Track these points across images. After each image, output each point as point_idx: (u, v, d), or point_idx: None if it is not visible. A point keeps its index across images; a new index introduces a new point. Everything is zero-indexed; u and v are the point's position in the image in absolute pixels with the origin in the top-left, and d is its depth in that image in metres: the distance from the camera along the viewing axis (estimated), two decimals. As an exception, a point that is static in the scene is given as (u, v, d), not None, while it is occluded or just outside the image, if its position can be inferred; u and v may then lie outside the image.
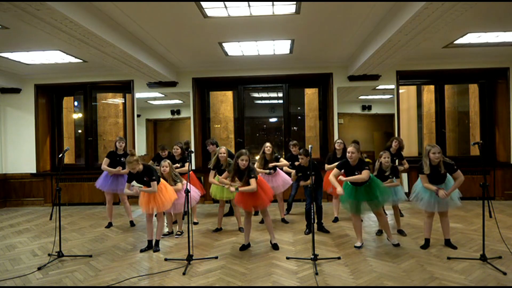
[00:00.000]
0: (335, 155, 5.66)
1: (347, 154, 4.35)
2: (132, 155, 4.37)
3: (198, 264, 4.07)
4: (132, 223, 5.95)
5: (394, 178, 4.82)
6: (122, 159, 5.72)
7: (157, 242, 4.62)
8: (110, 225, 5.91)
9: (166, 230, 5.38)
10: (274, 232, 4.70)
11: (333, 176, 4.38)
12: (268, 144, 5.72)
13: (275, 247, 4.53)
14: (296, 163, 5.46)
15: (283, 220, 5.90)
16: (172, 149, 5.91)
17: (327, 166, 5.62)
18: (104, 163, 5.71)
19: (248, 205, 4.42)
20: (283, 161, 5.77)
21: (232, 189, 4.24)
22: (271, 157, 5.71)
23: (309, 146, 4.49)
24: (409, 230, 5.24)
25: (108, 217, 5.96)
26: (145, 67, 6.17)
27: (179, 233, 5.26)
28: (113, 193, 5.85)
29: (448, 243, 4.44)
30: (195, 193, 5.19)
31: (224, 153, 5.01)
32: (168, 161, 4.95)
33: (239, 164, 4.27)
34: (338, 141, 5.68)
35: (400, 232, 5.05)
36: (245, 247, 4.56)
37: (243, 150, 4.34)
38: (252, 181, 4.25)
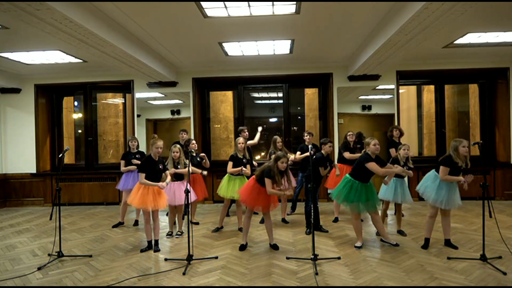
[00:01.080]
0: (347, 145, 5.93)
1: (375, 146, 4.37)
2: (156, 138, 4.56)
3: (198, 264, 4.07)
4: (136, 222, 5.97)
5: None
6: (137, 156, 5.89)
7: (157, 242, 4.62)
8: (120, 224, 5.93)
9: (167, 230, 5.38)
10: (274, 232, 4.70)
11: (376, 167, 4.32)
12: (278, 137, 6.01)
13: (274, 247, 4.53)
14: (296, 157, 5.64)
15: (283, 220, 5.90)
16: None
17: (348, 155, 5.80)
18: (122, 165, 5.86)
19: (257, 204, 4.39)
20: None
21: (289, 192, 4.34)
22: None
23: (310, 146, 4.51)
24: (409, 230, 5.24)
25: (120, 217, 5.96)
26: (145, 67, 6.17)
27: (179, 233, 5.25)
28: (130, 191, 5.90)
29: (448, 243, 4.44)
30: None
31: (242, 143, 5.24)
32: (179, 146, 5.13)
33: (279, 166, 4.26)
34: (349, 133, 5.99)
35: (400, 233, 5.05)
36: (244, 247, 4.56)
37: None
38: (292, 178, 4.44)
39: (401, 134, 6.04)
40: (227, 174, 5.29)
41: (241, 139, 5.29)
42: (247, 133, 6.16)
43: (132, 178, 5.81)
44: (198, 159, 5.63)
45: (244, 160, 5.21)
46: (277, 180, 4.24)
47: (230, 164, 5.17)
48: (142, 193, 4.42)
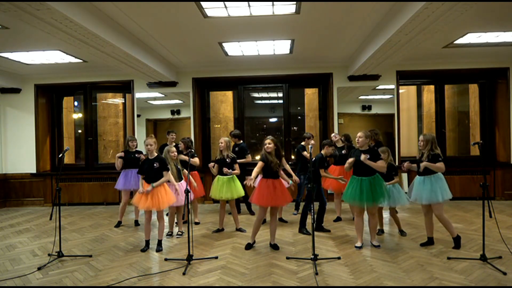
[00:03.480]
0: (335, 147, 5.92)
1: (356, 139, 4.49)
2: (151, 137, 4.62)
3: (198, 264, 4.07)
4: (136, 223, 5.97)
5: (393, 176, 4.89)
6: (135, 155, 5.92)
7: (159, 242, 4.64)
8: (119, 224, 5.96)
9: (167, 230, 5.38)
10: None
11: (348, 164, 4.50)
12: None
13: (274, 247, 4.53)
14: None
15: (281, 220, 5.90)
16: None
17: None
18: (119, 163, 5.96)
19: (274, 200, 4.34)
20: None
21: None
22: None
23: (309, 147, 4.52)
24: (409, 230, 5.24)
25: (119, 216, 5.99)
26: (145, 67, 6.17)
27: (180, 233, 5.26)
28: (129, 191, 5.93)
29: (430, 241, 4.53)
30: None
31: (221, 143, 5.32)
32: (174, 147, 5.13)
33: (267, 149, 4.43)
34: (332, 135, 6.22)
35: (401, 233, 5.05)
36: (250, 246, 4.57)
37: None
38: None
39: (376, 140, 5.62)
40: (216, 176, 5.31)
41: (221, 139, 5.35)
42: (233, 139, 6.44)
43: (128, 178, 5.83)
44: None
45: (227, 160, 5.22)
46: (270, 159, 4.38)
47: (215, 166, 5.25)
48: (145, 194, 4.44)
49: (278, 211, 4.54)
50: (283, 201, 4.42)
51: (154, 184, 4.44)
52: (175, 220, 5.36)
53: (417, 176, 4.49)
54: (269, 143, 4.38)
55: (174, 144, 6.07)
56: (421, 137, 4.47)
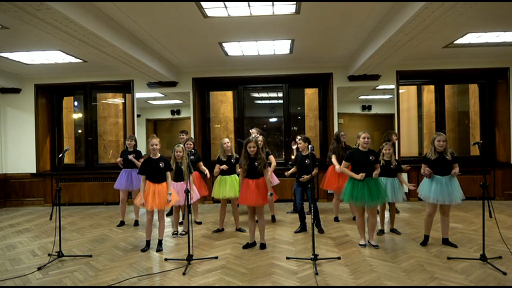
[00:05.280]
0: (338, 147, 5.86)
1: (364, 139, 4.45)
2: (156, 137, 4.63)
3: (198, 264, 4.07)
4: (136, 223, 5.97)
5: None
6: (132, 155, 5.86)
7: (160, 241, 4.64)
8: (122, 223, 5.97)
9: (167, 230, 5.38)
10: (274, 232, 4.70)
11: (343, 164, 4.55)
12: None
13: (262, 246, 4.54)
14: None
15: (273, 218, 5.95)
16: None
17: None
18: (119, 162, 5.99)
19: (246, 199, 4.40)
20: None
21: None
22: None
23: (310, 147, 4.54)
24: (409, 230, 5.24)
25: (121, 215, 6.02)
26: (145, 67, 6.17)
27: (183, 233, 5.26)
28: (127, 191, 5.96)
29: (446, 242, 4.47)
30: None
31: (227, 143, 5.30)
32: (182, 146, 5.12)
33: (248, 151, 4.41)
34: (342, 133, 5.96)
35: (394, 231, 5.07)
36: (249, 246, 4.58)
37: (249, 137, 4.50)
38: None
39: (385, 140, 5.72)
40: (218, 176, 5.32)
41: (226, 139, 5.31)
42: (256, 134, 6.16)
43: (127, 177, 5.84)
44: (192, 157, 5.60)
45: (232, 161, 5.23)
46: (242, 165, 4.42)
47: (216, 166, 5.22)
48: (147, 193, 4.44)
49: (262, 211, 4.52)
50: (256, 201, 4.37)
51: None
52: (179, 220, 5.37)
53: (438, 176, 4.34)
54: (253, 146, 4.39)
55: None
56: (443, 137, 4.32)
